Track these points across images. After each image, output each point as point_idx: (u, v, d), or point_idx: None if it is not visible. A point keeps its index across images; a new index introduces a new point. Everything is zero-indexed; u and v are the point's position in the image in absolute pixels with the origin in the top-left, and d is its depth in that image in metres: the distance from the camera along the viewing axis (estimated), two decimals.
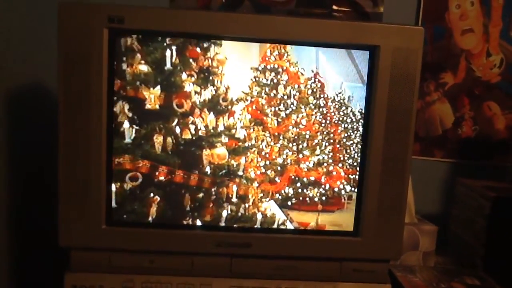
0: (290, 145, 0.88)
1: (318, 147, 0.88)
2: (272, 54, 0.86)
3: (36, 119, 1.12)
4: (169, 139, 0.86)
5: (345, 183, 0.89)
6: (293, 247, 0.88)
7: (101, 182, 0.83)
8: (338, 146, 0.88)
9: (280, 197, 0.89)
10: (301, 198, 0.89)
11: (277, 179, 0.88)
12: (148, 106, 0.85)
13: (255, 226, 0.89)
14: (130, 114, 0.84)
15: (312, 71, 0.86)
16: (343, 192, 0.89)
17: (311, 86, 0.87)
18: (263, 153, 0.88)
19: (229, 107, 0.86)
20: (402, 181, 0.87)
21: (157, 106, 0.85)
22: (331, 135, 0.88)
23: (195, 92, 0.85)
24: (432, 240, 1.10)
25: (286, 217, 0.89)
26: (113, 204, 0.86)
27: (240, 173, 0.88)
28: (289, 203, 0.89)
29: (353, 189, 0.89)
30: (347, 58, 0.86)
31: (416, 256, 1.10)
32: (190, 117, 0.85)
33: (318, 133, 0.88)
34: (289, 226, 0.89)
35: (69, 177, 0.83)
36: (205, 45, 0.84)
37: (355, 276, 0.89)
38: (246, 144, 0.87)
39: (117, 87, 0.83)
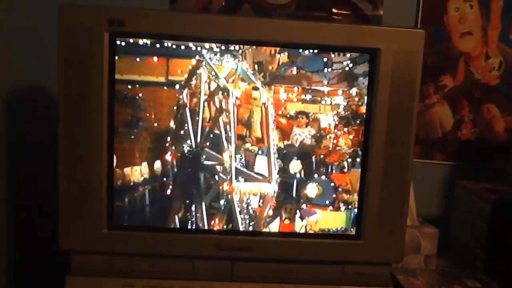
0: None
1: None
2: None
3: (36, 121, 1.12)
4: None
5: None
6: (295, 251, 0.88)
7: (102, 185, 0.83)
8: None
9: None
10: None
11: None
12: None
13: (256, 230, 0.89)
14: (131, 117, 0.84)
15: None
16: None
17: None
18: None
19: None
20: (404, 184, 0.87)
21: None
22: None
23: None
24: (434, 243, 1.10)
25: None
26: (114, 208, 0.85)
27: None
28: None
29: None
30: None
31: (418, 259, 1.09)
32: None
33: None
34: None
35: (70, 179, 0.82)
36: None
37: (357, 280, 0.89)
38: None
39: (118, 90, 0.83)
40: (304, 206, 0.89)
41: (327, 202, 0.89)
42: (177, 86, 0.84)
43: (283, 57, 0.85)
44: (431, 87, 1.30)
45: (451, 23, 1.28)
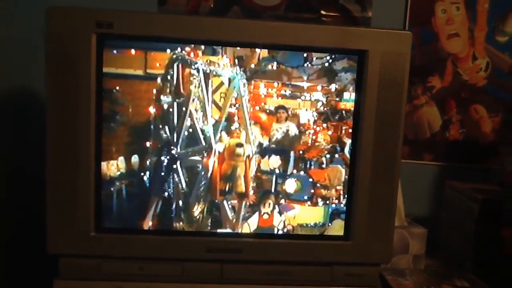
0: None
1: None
2: None
3: (24, 123, 1.11)
4: (159, 147, 0.85)
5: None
6: (284, 252, 0.88)
7: (90, 188, 0.83)
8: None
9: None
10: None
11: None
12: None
13: (246, 232, 0.89)
14: (119, 119, 0.84)
15: None
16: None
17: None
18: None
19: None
20: (392, 184, 0.87)
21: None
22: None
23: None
24: (422, 243, 1.11)
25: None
26: (102, 211, 0.85)
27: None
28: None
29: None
30: None
31: (406, 259, 1.10)
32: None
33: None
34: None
35: (57, 182, 0.82)
36: None
37: (346, 280, 0.89)
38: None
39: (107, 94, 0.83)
40: (282, 201, 0.89)
41: (305, 197, 0.89)
42: (155, 80, 0.84)
43: (263, 51, 0.86)
44: (419, 88, 1.31)
45: (439, 24, 1.29)
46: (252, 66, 0.85)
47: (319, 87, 0.87)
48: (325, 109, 0.88)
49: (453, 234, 1.18)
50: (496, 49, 1.31)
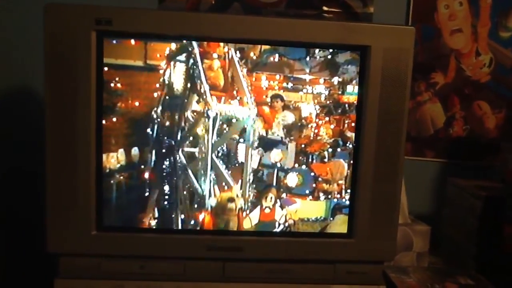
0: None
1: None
2: None
3: (23, 121, 1.11)
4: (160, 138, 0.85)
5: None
6: (286, 250, 0.87)
7: (91, 186, 0.82)
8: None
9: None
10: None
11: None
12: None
13: (247, 226, 0.88)
14: (119, 117, 0.83)
15: None
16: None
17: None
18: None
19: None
20: (395, 181, 0.87)
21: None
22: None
23: None
24: (426, 241, 1.10)
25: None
26: (103, 209, 0.84)
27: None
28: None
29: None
30: None
31: (409, 257, 1.09)
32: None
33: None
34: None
35: (57, 181, 0.81)
36: None
37: (349, 278, 0.89)
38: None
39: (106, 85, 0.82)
40: (284, 195, 0.88)
41: (307, 191, 0.89)
42: (155, 71, 0.83)
43: None
44: (422, 85, 1.30)
45: (442, 20, 1.28)
46: (254, 58, 0.84)
47: (321, 80, 0.86)
48: (328, 102, 0.87)
49: (456, 231, 1.18)
50: (499, 45, 1.30)
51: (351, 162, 0.88)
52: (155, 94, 0.83)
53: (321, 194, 0.89)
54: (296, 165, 0.88)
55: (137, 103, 0.83)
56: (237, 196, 0.87)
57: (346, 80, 0.86)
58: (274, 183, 0.88)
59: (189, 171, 0.86)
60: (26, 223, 1.07)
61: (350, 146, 0.88)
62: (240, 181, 0.87)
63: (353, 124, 0.87)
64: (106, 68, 0.82)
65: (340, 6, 1.25)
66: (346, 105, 0.87)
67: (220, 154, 0.86)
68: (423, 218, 1.16)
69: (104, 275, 0.85)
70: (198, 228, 0.87)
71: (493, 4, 1.28)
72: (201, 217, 0.87)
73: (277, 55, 0.85)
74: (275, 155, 0.87)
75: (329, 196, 0.89)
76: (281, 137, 0.87)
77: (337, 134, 0.87)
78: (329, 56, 0.85)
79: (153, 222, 0.87)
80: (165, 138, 0.85)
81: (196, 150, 0.86)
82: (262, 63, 0.85)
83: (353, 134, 0.87)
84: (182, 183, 0.86)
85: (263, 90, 0.86)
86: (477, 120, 1.32)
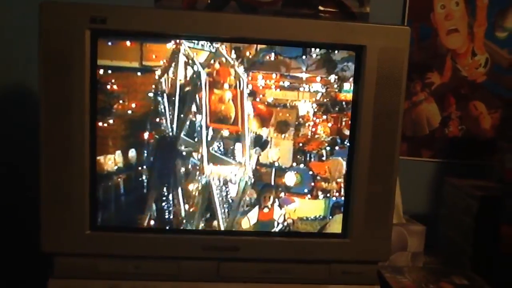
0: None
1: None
2: None
3: (18, 121, 1.10)
4: (154, 142, 0.84)
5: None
6: (281, 250, 0.87)
7: (85, 186, 0.82)
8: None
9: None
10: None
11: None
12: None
13: (243, 229, 0.88)
14: (116, 119, 0.83)
15: None
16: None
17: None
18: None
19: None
20: (390, 181, 0.87)
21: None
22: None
23: None
24: (421, 241, 1.10)
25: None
26: (97, 209, 0.84)
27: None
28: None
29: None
30: None
31: (404, 257, 1.09)
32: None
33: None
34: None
35: (51, 180, 0.81)
36: None
37: (344, 278, 0.89)
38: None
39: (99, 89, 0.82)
40: (282, 194, 0.88)
41: (306, 190, 0.88)
42: (151, 72, 0.83)
43: None
44: (418, 84, 1.30)
45: (438, 20, 1.28)
46: (250, 57, 0.84)
47: (318, 78, 0.86)
48: (325, 100, 0.86)
49: (452, 231, 1.18)
50: (495, 45, 1.30)
51: (347, 157, 0.87)
52: (152, 95, 0.83)
53: (319, 193, 0.89)
54: (294, 164, 0.88)
55: (133, 105, 0.83)
56: (235, 194, 0.87)
57: (343, 78, 0.86)
58: (272, 183, 0.88)
59: (186, 171, 0.86)
60: (21, 222, 1.07)
61: (348, 144, 0.87)
62: (238, 180, 0.87)
63: (350, 122, 0.87)
64: (102, 70, 0.81)
65: (337, 5, 1.25)
66: (344, 103, 0.87)
67: (216, 149, 0.86)
68: (419, 218, 1.16)
69: (99, 275, 0.85)
70: (193, 228, 0.87)
71: (489, 4, 1.28)
72: (197, 217, 0.87)
73: (273, 53, 0.85)
74: (273, 154, 0.87)
75: (328, 195, 0.89)
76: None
77: (335, 132, 0.87)
78: (326, 54, 0.85)
79: (149, 222, 0.86)
80: (162, 138, 0.84)
81: (193, 150, 0.86)
82: (259, 62, 0.85)
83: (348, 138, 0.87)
84: (178, 183, 0.86)
85: (259, 89, 0.85)
86: (473, 120, 1.32)
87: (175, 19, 0.82)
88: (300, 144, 0.87)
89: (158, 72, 0.83)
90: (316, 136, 0.87)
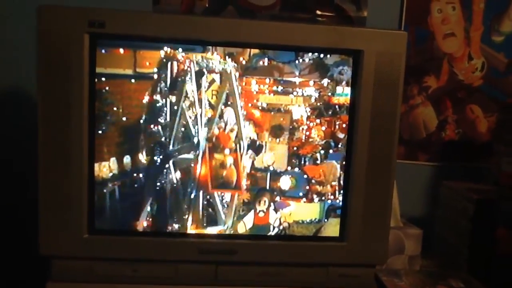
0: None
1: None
2: None
3: (16, 124, 1.10)
4: (152, 146, 0.85)
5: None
6: (279, 254, 0.88)
7: (83, 190, 0.82)
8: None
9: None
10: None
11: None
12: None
13: (241, 230, 0.88)
14: (111, 126, 0.83)
15: None
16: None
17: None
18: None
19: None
20: (387, 185, 0.87)
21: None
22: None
23: None
24: (418, 244, 1.10)
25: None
26: (95, 213, 0.84)
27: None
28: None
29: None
30: None
31: (401, 260, 1.10)
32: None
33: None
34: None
35: (50, 184, 0.81)
36: None
37: (341, 282, 0.89)
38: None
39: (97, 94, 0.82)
40: (278, 198, 0.89)
41: (301, 194, 0.89)
42: (145, 79, 0.83)
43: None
44: (415, 88, 1.31)
45: (435, 24, 1.29)
46: (243, 62, 0.85)
47: (311, 82, 0.87)
48: (318, 104, 0.87)
49: (449, 234, 1.18)
50: (491, 49, 1.31)
51: (343, 163, 0.88)
52: (146, 102, 0.83)
53: (315, 196, 0.89)
54: (289, 167, 0.88)
55: (128, 112, 0.83)
56: (230, 199, 0.87)
57: (336, 82, 0.87)
58: (268, 187, 0.88)
59: (181, 176, 0.86)
60: (19, 225, 1.07)
61: (342, 147, 0.88)
62: (233, 185, 0.87)
63: (344, 125, 0.87)
64: (98, 78, 0.81)
65: (334, 10, 1.25)
66: (337, 106, 0.87)
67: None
68: (416, 221, 1.17)
69: (97, 278, 0.85)
70: (190, 232, 0.87)
71: (485, 8, 1.29)
72: (193, 221, 0.87)
73: (266, 58, 0.85)
74: (267, 158, 0.87)
75: (323, 198, 0.89)
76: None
77: (329, 135, 0.88)
78: (318, 58, 0.86)
79: (146, 226, 0.86)
80: (157, 145, 0.85)
81: (188, 155, 0.86)
82: (252, 67, 0.85)
83: (345, 135, 0.88)
84: (174, 188, 0.86)
85: (253, 94, 0.86)
86: (470, 124, 1.33)
87: (173, 24, 0.82)
88: (295, 148, 0.88)
89: (152, 79, 0.83)
90: (310, 140, 0.88)
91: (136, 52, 0.82)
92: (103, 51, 0.82)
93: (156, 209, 0.86)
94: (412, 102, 1.31)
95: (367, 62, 0.84)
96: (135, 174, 0.84)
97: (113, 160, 0.84)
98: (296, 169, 0.88)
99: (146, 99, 0.83)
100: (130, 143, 0.84)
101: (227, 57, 0.84)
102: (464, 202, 1.12)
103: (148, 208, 0.86)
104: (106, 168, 0.84)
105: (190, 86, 0.84)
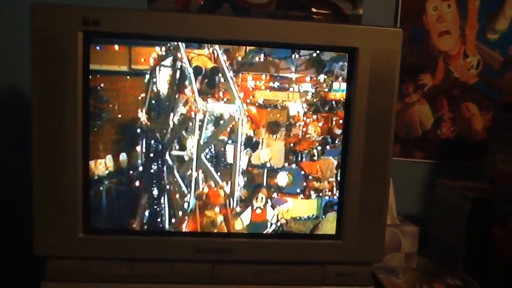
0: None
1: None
2: None
3: (10, 123, 1.09)
4: (148, 143, 0.84)
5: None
6: (275, 252, 0.87)
7: (78, 188, 0.81)
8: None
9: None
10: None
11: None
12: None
13: (239, 227, 0.88)
14: (106, 123, 0.82)
15: None
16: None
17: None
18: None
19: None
20: (383, 182, 0.87)
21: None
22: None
23: None
24: (414, 241, 1.10)
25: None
26: (90, 212, 0.83)
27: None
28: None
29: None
30: None
31: (398, 258, 1.10)
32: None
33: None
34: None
35: (44, 182, 0.80)
36: None
37: (337, 280, 0.89)
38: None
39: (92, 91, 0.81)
40: (275, 195, 0.88)
41: (298, 190, 0.89)
42: (140, 75, 0.82)
43: None
44: (411, 86, 1.31)
45: (430, 22, 1.29)
46: (239, 58, 0.84)
47: (307, 78, 0.86)
48: (315, 100, 0.87)
49: (444, 233, 1.18)
50: (487, 47, 1.31)
51: (341, 159, 0.88)
52: (141, 99, 0.83)
53: (312, 192, 0.89)
54: (286, 164, 0.88)
55: (123, 109, 0.83)
56: (226, 197, 0.87)
57: (332, 77, 0.86)
58: (265, 183, 0.88)
59: (177, 174, 0.86)
60: (13, 225, 1.06)
61: (339, 143, 0.88)
62: (229, 182, 0.87)
63: (341, 121, 0.87)
64: (92, 75, 0.81)
65: (330, 7, 1.25)
66: (333, 102, 0.87)
67: (208, 156, 0.86)
68: (412, 219, 1.17)
69: (92, 278, 0.84)
70: (186, 230, 0.87)
71: (480, 6, 1.29)
72: (189, 219, 0.87)
73: (262, 54, 0.85)
74: (264, 155, 0.87)
75: (320, 194, 0.89)
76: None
77: (326, 131, 0.88)
78: (315, 54, 0.86)
79: (142, 224, 0.86)
80: (153, 142, 0.84)
81: (184, 153, 0.86)
82: (248, 63, 0.85)
83: (341, 131, 0.87)
84: (170, 186, 0.86)
85: (249, 90, 0.85)
86: (465, 122, 1.33)
87: (168, 21, 0.82)
88: (292, 144, 0.87)
89: (147, 76, 0.82)
90: (307, 136, 0.88)
91: (131, 49, 0.82)
92: (97, 47, 0.81)
93: (152, 207, 0.86)
94: (408, 100, 1.31)
95: (362, 60, 0.84)
96: (131, 172, 0.84)
97: (109, 157, 0.83)
98: (293, 166, 0.88)
99: (141, 95, 0.83)
100: (126, 141, 0.84)
101: (223, 53, 0.84)
102: (460, 200, 1.12)
103: (144, 206, 0.85)
104: (102, 166, 0.83)
105: (186, 82, 0.84)
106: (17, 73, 1.08)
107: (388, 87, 0.85)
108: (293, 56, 0.85)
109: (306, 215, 0.89)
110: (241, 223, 0.88)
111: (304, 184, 0.89)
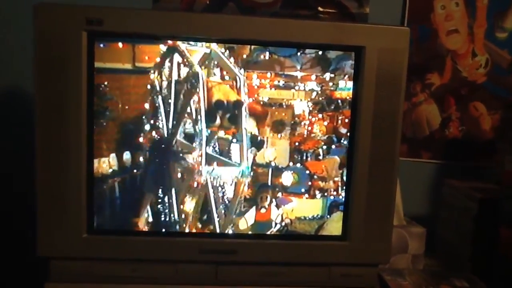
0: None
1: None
2: None
3: (14, 123, 1.10)
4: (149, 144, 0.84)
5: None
6: (280, 253, 0.87)
7: (81, 189, 0.81)
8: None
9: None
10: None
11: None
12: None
13: (241, 232, 0.87)
14: (110, 122, 0.82)
15: None
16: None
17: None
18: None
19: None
20: (390, 183, 0.86)
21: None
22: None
23: None
24: (421, 243, 1.09)
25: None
26: (94, 212, 0.83)
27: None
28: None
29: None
30: None
31: (405, 259, 1.09)
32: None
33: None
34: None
35: (48, 182, 0.80)
36: None
37: (343, 281, 0.88)
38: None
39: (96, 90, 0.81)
40: (279, 194, 0.88)
41: (303, 190, 0.88)
42: (145, 74, 0.82)
43: None
44: (418, 85, 1.30)
45: (438, 21, 1.28)
46: (244, 56, 0.83)
47: (313, 77, 0.85)
48: (320, 98, 0.86)
49: (451, 233, 1.17)
50: (495, 46, 1.29)
51: (346, 158, 0.87)
52: (145, 97, 0.82)
53: (317, 192, 0.88)
54: (291, 163, 0.87)
55: (127, 107, 0.82)
56: (232, 196, 0.86)
57: (338, 76, 0.85)
58: (269, 183, 0.87)
59: (181, 173, 0.85)
60: (16, 226, 1.06)
61: (345, 142, 0.87)
62: (235, 180, 0.86)
63: (346, 120, 0.86)
64: (96, 73, 0.81)
65: (336, 6, 1.24)
66: (339, 101, 0.86)
67: (214, 155, 0.85)
68: (418, 219, 1.16)
69: (96, 279, 0.84)
70: (190, 231, 0.86)
71: (489, 4, 1.27)
72: (193, 219, 0.86)
73: (267, 52, 0.84)
74: (269, 154, 0.86)
75: (325, 194, 0.88)
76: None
77: (331, 130, 0.87)
78: (320, 52, 0.85)
79: (145, 225, 0.86)
80: (157, 141, 0.84)
81: (189, 151, 0.85)
82: (253, 62, 0.84)
83: (347, 131, 0.86)
84: (174, 185, 0.85)
85: (254, 89, 0.85)
86: (473, 121, 1.32)
87: (172, 21, 0.81)
88: (297, 144, 0.87)
89: (151, 73, 0.82)
90: (312, 135, 0.87)
91: (135, 47, 0.81)
92: (101, 45, 0.81)
93: (156, 207, 0.85)
94: (415, 99, 1.30)
95: (369, 59, 0.83)
96: (135, 171, 0.84)
97: (112, 156, 0.83)
98: (298, 165, 0.87)
99: (145, 94, 0.82)
100: (130, 139, 0.83)
101: (228, 50, 0.83)
102: (467, 201, 1.11)
103: (148, 206, 0.85)
104: (106, 164, 0.83)
105: (190, 81, 0.83)
106: (18, 73, 1.08)
107: (395, 86, 0.84)
108: (298, 54, 0.85)
109: (311, 215, 0.89)
110: (245, 223, 0.87)
111: (309, 183, 0.88)
